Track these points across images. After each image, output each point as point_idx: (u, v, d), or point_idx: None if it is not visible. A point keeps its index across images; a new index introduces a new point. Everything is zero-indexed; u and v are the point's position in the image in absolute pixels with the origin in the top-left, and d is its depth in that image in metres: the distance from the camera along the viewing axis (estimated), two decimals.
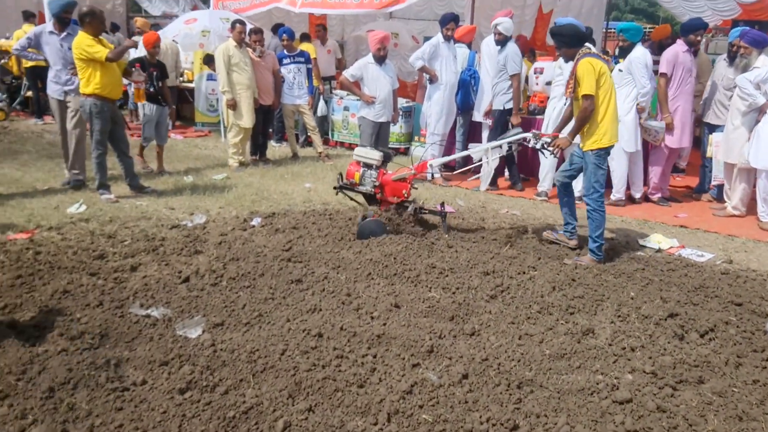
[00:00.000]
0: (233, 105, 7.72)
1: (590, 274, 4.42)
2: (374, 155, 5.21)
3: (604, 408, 2.74)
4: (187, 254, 4.57)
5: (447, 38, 7.41)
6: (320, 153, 8.74)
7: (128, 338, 3.22)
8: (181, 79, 10.80)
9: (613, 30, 12.76)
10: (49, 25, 6.50)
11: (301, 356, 3.04)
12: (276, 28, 10.26)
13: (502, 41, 7.05)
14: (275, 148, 9.45)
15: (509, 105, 7.07)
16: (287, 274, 4.11)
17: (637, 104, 6.45)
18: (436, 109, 7.53)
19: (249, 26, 8.09)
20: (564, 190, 5.12)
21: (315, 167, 8.16)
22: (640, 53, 6.44)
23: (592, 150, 4.76)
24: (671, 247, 5.26)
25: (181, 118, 11.41)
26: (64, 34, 6.36)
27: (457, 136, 8.00)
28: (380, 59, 7.27)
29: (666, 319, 3.65)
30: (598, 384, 2.93)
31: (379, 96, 7.22)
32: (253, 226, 5.34)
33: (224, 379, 2.87)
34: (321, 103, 9.73)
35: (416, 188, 5.41)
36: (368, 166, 5.23)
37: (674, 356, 3.22)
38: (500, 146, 5.33)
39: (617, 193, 6.68)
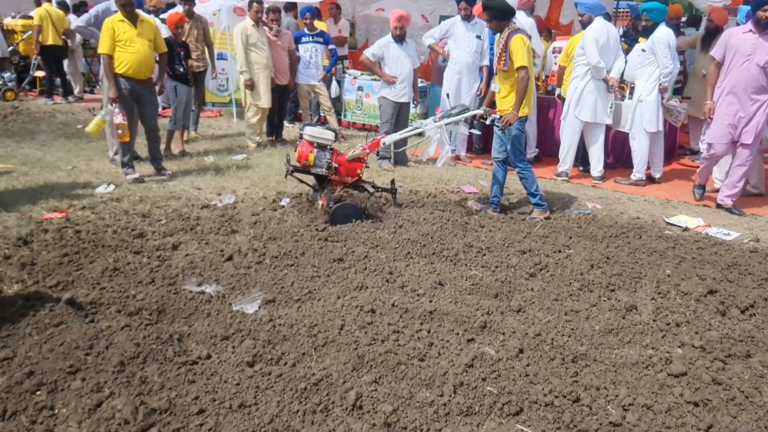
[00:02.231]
0: (251, 85, 7.69)
1: (623, 252, 4.49)
2: (328, 135, 5.01)
3: (661, 381, 2.82)
4: (225, 233, 4.61)
5: (464, 18, 7.39)
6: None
7: (185, 314, 3.27)
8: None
9: (622, 9, 12.74)
10: (112, 3, 6.45)
11: (360, 331, 3.10)
12: (289, 7, 10.19)
13: None
14: (288, 129, 9.45)
15: None
16: (328, 253, 4.16)
17: (659, 84, 6.48)
18: (445, 87, 7.54)
19: (265, 5, 8.04)
20: (502, 166, 5.47)
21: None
22: (663, 33, 6.44)
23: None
24: (698, 225, 5.33)
25: None
26: None
27: None
28: (399, 38, 7.27)
29: (706, 296, 3.72)
30: (651, 358, 3.01)
31: (399, 75, 7.23)
32: (283, 207, 5.37)
33: (287, 353, 2.93)
34: (333, 84, 9.71)
35: (368, 167, 5.39)
36: (322, 146, 5.00)
37: (720, 331, 3.30)
38: (454, 123, 5.34)
39: (638, 173, 6.74)
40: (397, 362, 2.84)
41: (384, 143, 5.27)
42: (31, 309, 3.20)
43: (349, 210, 4.80)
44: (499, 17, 5.18)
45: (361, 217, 4.83)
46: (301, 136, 5.07)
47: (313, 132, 5.00)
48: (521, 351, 3.00)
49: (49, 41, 10.62)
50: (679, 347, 3.14)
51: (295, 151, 5.05)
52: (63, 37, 10.83)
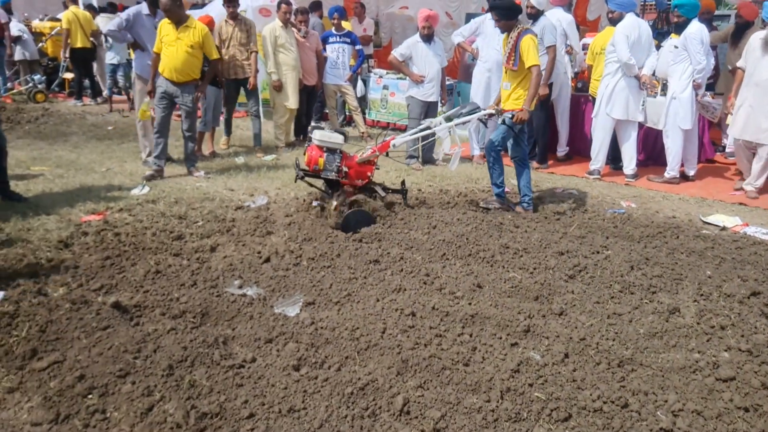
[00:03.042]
0: (280, 86, 7.74)
1: (661, 252, 4.43)
2: (338, 139, 4.88)
3: (709, 385, 2.78)
4: (260, 235, 4.64)
5: None
6: (362, 133, 8.76)
7: (228, 317, 3.30)
8: None
9: (650, 3, 12.57)
10: (143, 7, 6.54)
11: (402, 335, 3.10)
12: (313, 6, 10.22)
13: (534, 15, 6.98)
14: None
15: (551, 80, 7.00)
16: (364, 255, 4.16)
17: (693, 81, 6.38)
18: (474, 85, 7.51)
19: (294, 6, 8.07)
20: (525, 164, 5.58)
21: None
22: (696, 29, 6.34)
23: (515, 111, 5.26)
24: (735, 225, 5.24)
25: None
26: (158, 18, 6.46)
27: None
28: (427, 38, 7.25)
29: (749, 298, 3.66)
30: (698, 362, 2.97)
31: (427, 75, 7.22)
32: (316, 207, 5.38)
33: (330, 356, 2.94)
34: (359, 83, 9.72)
35: (378, 168, 5.31)
36: (331, 150, 4.86)
37: (766, 334, 3.23)
38: (464, 123, 5.41)
39: (672, 170, 6.65)
40: (442, 367, 2.84)
41: (394, 145, 5.17)
42: (78, 312, 3.26)
43: (362, 216, 4.71)
44: (507, 16, 5.25)
45: (373, 223, 4.72)
46: (309, 140, 4.98)
47: (322, 136, 4.88)
48: (566, 356, 2.98)
49: (78, 44, 10.79)
50: (726, 351, 3.09)
51: (304, 155, 4.98)
52: (91, 39, 10.99)
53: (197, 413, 2.47)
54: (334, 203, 4.83)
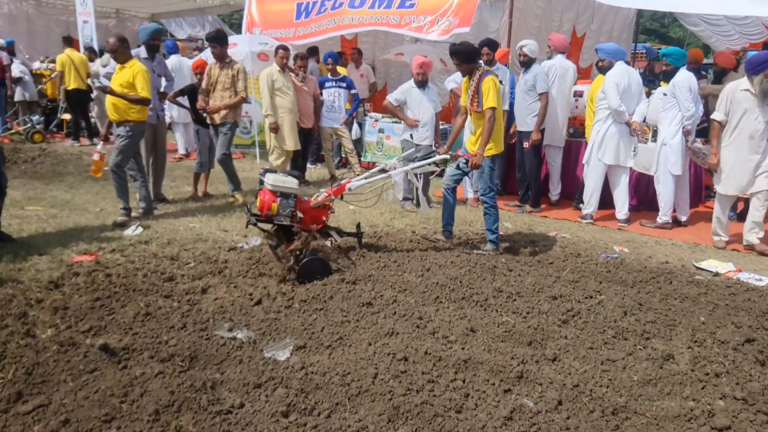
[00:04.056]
0: (276, 128, 7.82)
1: (655, 298, 4.43)
2: (292, 183, 4.75)
3: None
4: (252, 276, 4.62)
5: (486, 63, 7.49)
6: (357, 175, 8.81)
7: (217, 360, 3.26)
8: None
9: (641, 51, 12.87)
10: (142, 51, 6.65)
11: (393, 380, 3.06)
12: (310, 52, 10.42)
13: (527, 63, 7.16)
14: (310, 169, 9.55)
15: (543, 125, 7.14)
16: (357, 297, 4.14)
17: (683, 127, 6.48)
18: (468, 129, 7.60)
19: (293, 52, 8.23)
20: (452, 194, 5.61)
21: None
22: (684, 77, 6.48)
23: (487, 156, 5.32)
24: (728, 271, 5.25)
25: None
26: (156, 62, 6.55)
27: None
28: (421, 84, 7.38)
29: (743, 345, 3.64)
30: (692, 410, 2.93)
31: (422, 119, 7.31)
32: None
33: (320, 402, 2.89)
34: (355, 127, 9.85)
35: (333, 212, 5.27)
36: (285, 195, 4.73)
37: (761, 382, 3.21)
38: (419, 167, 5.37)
39: (664, 216, 6.69)
40: (434, 414, 2.79)
41: (349, 188, 5.05)
42: (65, 355, 3.21)
43: (318, 265, 4.50)
44: (468, 60, 5.31)
45: (330, 273, 4.53)
46: (261, 183, 4.84)
47: (275, 180, 4.73)
48: (560, 403, 2.94)
49: (72, 85, 10.92)
50: (721, 399, 3.06)
51: (256, 199, 4.84)
52: (88, 81, 11.13)
53: None
54: (287, 253, 4.64)
